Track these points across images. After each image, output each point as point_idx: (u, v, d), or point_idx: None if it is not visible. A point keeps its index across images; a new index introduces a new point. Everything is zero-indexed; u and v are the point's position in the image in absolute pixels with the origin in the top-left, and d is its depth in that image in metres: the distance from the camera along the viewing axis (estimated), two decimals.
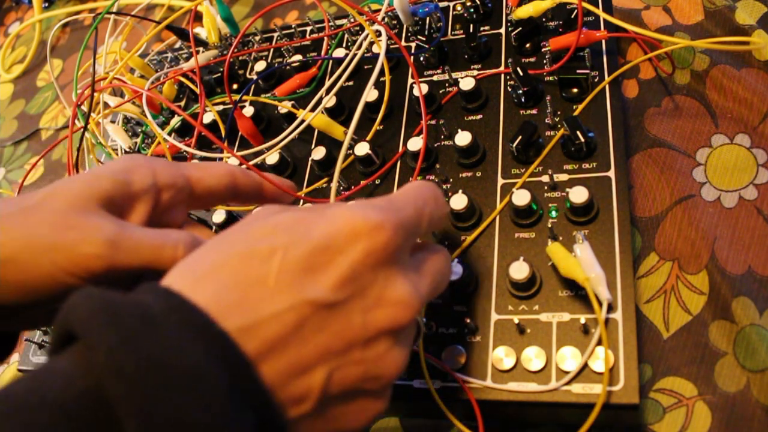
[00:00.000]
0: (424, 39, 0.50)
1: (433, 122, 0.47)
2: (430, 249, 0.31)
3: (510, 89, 0.45)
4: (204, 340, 0.22)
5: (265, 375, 0.23)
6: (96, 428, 0.21)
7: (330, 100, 0.49)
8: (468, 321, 0.37)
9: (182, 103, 0.60)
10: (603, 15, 0.45)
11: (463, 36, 0.49)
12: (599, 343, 0.34)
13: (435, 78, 0.49)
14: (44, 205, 0.30)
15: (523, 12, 0.47)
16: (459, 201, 0.40)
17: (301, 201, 0.47)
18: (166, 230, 0.32)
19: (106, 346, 0.21)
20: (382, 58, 0.43)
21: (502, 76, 0.47)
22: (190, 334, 0.22)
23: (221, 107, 0.56)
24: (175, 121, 0.56)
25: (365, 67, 0.53)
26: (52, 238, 0.29)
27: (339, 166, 0.41)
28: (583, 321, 0.35)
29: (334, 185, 0.42)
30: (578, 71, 0.43)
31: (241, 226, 0.27)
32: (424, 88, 0.46)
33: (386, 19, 0.53)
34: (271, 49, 0.58)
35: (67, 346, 0.23)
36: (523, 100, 0.44)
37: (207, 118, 0.54)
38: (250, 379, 0.23)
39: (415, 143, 0.44)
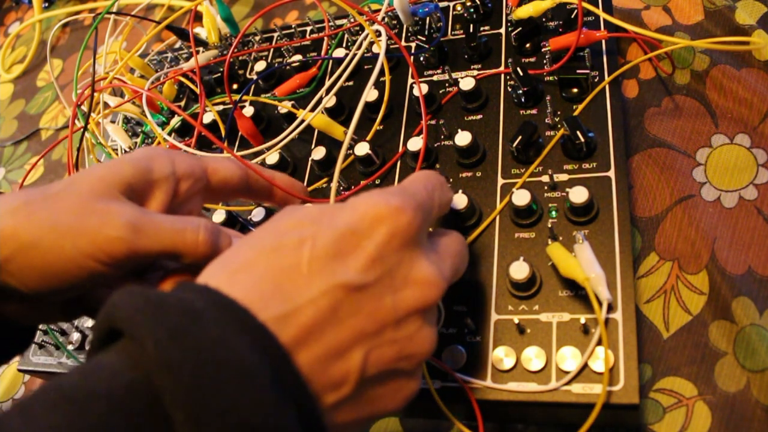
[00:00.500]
0: (424, 39, 0.50)
1: (433, 122, 0.47)
2: (445, 233, 0.33)
3: (510, 89, 0.45)
4: (246, 333, 0.23)
5: (303, 362, 0.24)
6: (144, 418, 0.21)
7: (330, 100, 0.49)
8: (468, 321, 0.37)
9: (182, 103, 0.60)
10: (603, 15, 0.45)
11: (463, 36, 0.49)
12: (599, 343, 0.34)
13: (435, 78, 0.49)
14: (67, 191, 0.31)
15: (523, 12, 0.47)
16: (459, 201, 0.40)
17: (301, 202, 0.47)
18: (186, 216, 0.33)
19: (154, 340, 0.21)
20: (381, 58, 0.43)
21: (502, 76, 0.47)
22: (233, 328, 0.23)
23: (221, 107, 0.56)
24: (175, 121, 0.56)
25: (365, 67, 0.53)
26: (75, 222, 0.30)
27: (339, 166, 0.41)
28: (583, 321, 0.35)
29: (334, 185, 0.42)
30: (578, 71, 0.43)
31: (269, 224, 0.28)
32: (424, 88, 0.46)
33: (386, 19, 0.53)
34: (271, 49, 0.58)
35: (109, 344, 0.23)
36: (523, 100, 0.44)
37: (207, 118, 0.54)
38: (290, 371, 0.23)
39: (415, 143, 0.44)
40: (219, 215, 0.48)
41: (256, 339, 0.23)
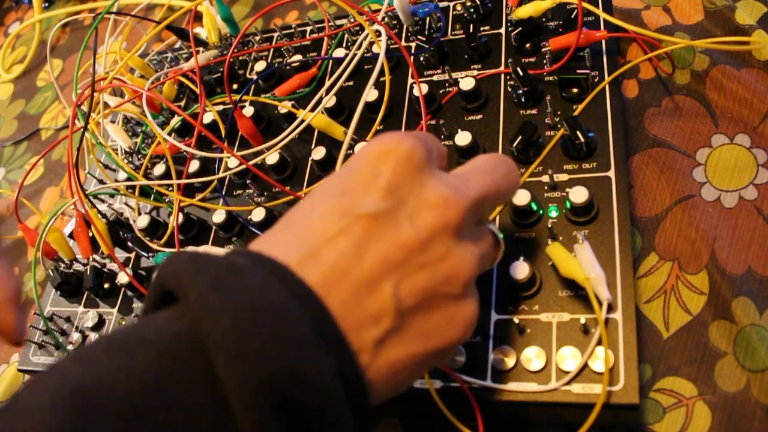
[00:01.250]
0: (424, 39, 0.50)
1: (433, 122, 0.47)
2: (478, 157, 0.32)
3: (510, 89, 0.45)
4: (287, 286, 0.24)
5: (335, 304, 0.25)
6: (189, 363, 0.22)
7: (330, 100, 0.49)
8: None
9: (182, 103, 0.60)
10: (603, 15, 0.45)
11: (463, 36, 0.49)
12: (599, 343, 0.34)
13: (435, 78, 0.49)
14: None
15: (523, 12, 0.47)
16: None
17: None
18: None
19: (196, 291, 0.23)
20: (381, 58, 0.43)
21: (502, 76, 0.47)
22: (275, 280, 0.24)
23: (221, 107, 0.56)
24: (175, 121, 0.56)
25: (365, 67, 0.53)
26: None
27: (339, 166, 0.41)
28: (583, 321, 0.35)
29: None
30: (578, 71, 0.43)
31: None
32: (424, 88, 0.46)
33: (386, 19, 0.53)
34: (271, 49, 0.58)
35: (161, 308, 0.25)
36: (523, 100, 0.44)
37: (207, 118, 0.54)
38: (329, 323, 0.24)
39: None
40: (219, 215, 0.48)
41: (296, 291, 0.24)
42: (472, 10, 0.50)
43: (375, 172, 0.27)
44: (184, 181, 0.49)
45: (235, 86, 0.57)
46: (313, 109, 0.47)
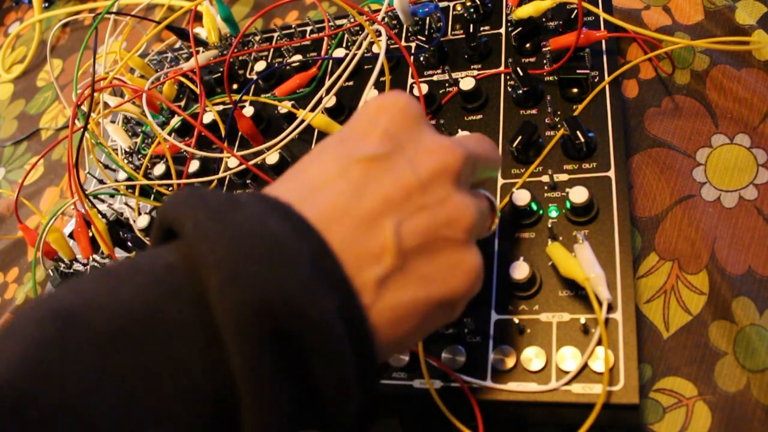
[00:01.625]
0: (424, 39, 0.50)
1: (433, 122, 0.46)
2: (460, 135, 0.34)
3: (510, 89, 0.45)
4: (288, 220, 0.24)
5: (335, 240, 0.24)
6: (179, 291, 0.22)
7: (330, 100, 0.49)
8: (468, 321, 0.37)
9: (182, 103, 0.60)
10: (603, 15, 0.45)
11: (463, 36, 0.49)
12: (599, 343, 0.34)
13: (435, 78, 0.49)
14: None
15: (523, 12, 0.47)
16: None
17: None
18: None
19: (194, 220, 0.23)
20: (381, 58, 0.43)
21: (502, 76, 0.47)
22: (275, 214, 0.24)
23: (221, 107, 0.56)
24: (175, 121, 0.56)
25: (365, 67, 0.53)
26: None
27: None
28: (583, 321, 0.35)
29: None
30: (578, 71, 0.43)
31: None
32: (424, 88, 0.46)
33: (386, 19, 0.53)
34: (271, 49, 0.58)
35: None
36: (523, 100, 0.44)
37: (207, 118, 0.54)
38: (330, 258, 0.24)
39: None
40: None
41: (296, 225, 0.24)
42: (472, 10, 0.50)
43: (374, 121, 0.28)
44: (184, 181, 0.49)
45: (235, 86, 0.57)
46: (313, 109, 0.47)
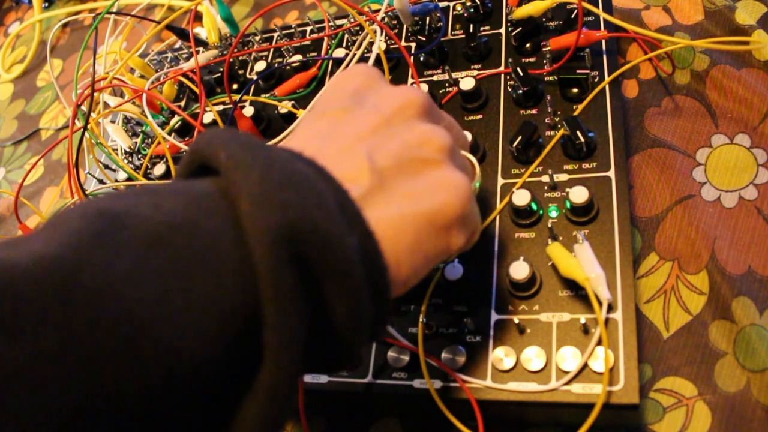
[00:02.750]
0: (424, 39, 0.50)
1: None
2: None
3: (510, 89, 0.45)
4: (308, 164, 0.26)
5: (323, 162, 0.26)
6: (215, 212, 0.23)
7: None
8: (468, 321, 0.37)
9: (182, 103, 0.60)
10: (603, 15, 0.45)
11: (463, 36, 0.49)
12: (599, 343, 0.34)
13: (435, 78, 0.49)
14: None
15: (523, 12, 0.47)
16: None
17: None
18: None
19: (229, 151, 0.24)
20: (375, 52, 0.43)
21: (502, 76, 0.47)
22: (298, 157, 0.26)
23: (221, 107, 0.56)
24: (175, 121, 0.56)
25: None
26: None
27: None
28: (583, 321, 0.35)
29: None
30: (578, 71, 0.43)
31: None
32: (424, 88, 0.46)
33: (386, 19, 0.53)
34: (271, 49, 0.58)
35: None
36: (523, 100, 0.44)
37: (207, 118, 0.54)
38: (350, 202, 0.25)
39: None
40: None
41: (316, 169, 0.26)
42: (472, 10, 0.50)
43: (341, 87, 0.31)
44: None
45: (235, 86, 0.57)
46: None
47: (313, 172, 0.25)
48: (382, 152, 0.28)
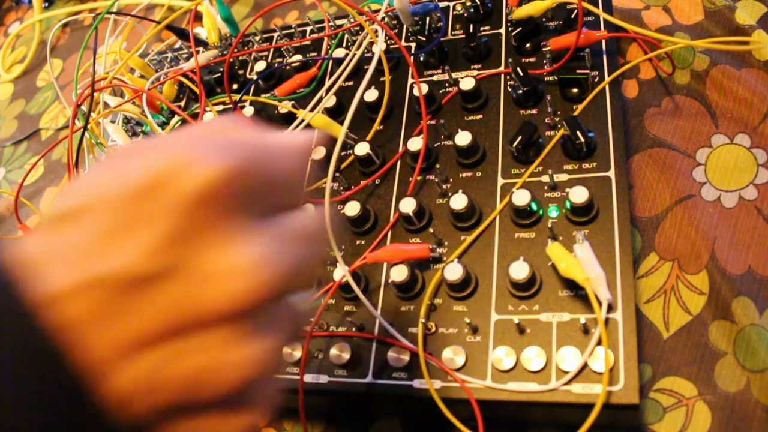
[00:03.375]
0: (424, 39, 0.50)
1: (433, 122, 0.47)
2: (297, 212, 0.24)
3: (510, 89, 0.45)
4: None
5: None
6: None
7: (330, 100, 0.49)
8: (468, 321, 0.37)
9: (182, 103, 0.60)
10: (603, 15, 0.45)
11: (463, 36, 0.49)
12: (599, 343, 0.34)
13: (435, 78, 0.49)
14: None
15: (523, 12, 0.47)
16: (459, 201, 0.40)
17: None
18: None
19: None
20: (378, 53, 0.43)
21: (502, 76, 0.47)
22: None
23: (221, 107, 0.56)
24: (175, 121, 0.56)
25: (365, 67, 0.53)
26: None
27: (333, 164, 0.41)
28: (583, 321, 0.35)
29: (328, 184, 0.42)
30: (578, 71, 0.43)
31: None
32: (424, 88, 0.46)
33: (386, 19, 0.53)
34: (271, 49, 0.58)
35: None
36: (523, 100, 0.44)
37: (207, 118, 0.54)
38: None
39: (415, 143, 0.44)
40: None
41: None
42: (472, 10, 0.50)
43: (139, 211, 0.19)
44: None
45: (235, 86, 0.57)
46: (313, 109, 0.47)
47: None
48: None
